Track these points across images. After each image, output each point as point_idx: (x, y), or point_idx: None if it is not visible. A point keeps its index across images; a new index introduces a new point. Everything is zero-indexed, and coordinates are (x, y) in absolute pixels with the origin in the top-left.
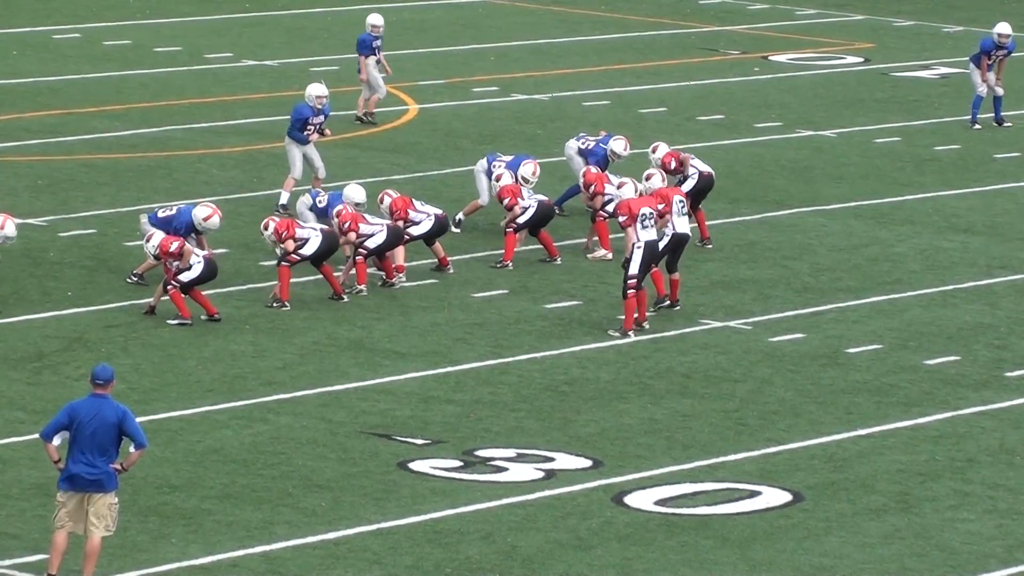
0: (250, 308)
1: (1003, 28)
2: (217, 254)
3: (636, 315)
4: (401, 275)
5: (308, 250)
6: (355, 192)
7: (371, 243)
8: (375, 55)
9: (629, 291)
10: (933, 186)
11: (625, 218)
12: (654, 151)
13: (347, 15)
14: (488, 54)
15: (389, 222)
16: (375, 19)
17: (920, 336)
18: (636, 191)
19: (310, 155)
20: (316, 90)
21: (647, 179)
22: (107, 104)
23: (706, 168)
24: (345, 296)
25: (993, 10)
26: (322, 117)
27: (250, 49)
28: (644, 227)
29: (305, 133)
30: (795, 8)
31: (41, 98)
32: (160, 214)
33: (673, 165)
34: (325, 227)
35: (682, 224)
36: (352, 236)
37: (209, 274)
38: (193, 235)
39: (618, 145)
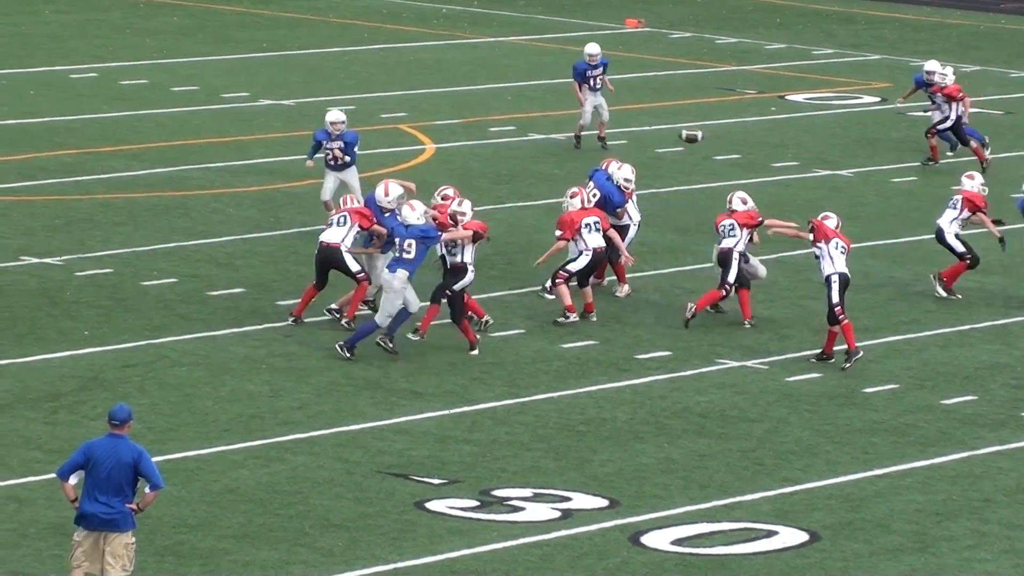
0: (267, 348)
1: (932, 66)
2: (234, 294)
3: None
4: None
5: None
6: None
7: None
8: (588, 83)
9: (558, 281)
10: None
11: (561, 232)
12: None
13: (364, 55)
14: (505, 93)
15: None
16: (591, 48)
17: (937, 376)
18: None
19: (350, 183)
20: (331, 116)
21: (825, 219)
22: (124, 143)
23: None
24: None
25: (1006, 50)
26: (340, 143)
27: (267, 89)
28: (591, 232)
29: (324, 156)
30: (812, 48)
31: (58, 137)
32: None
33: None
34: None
35: (841, 264)
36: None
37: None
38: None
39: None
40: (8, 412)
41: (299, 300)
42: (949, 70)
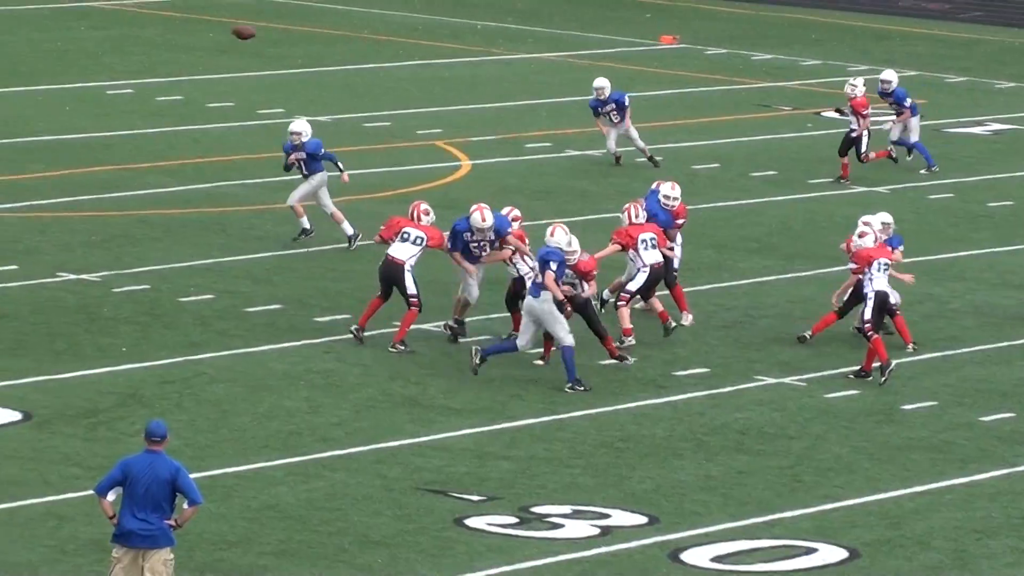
0: (305, 364)
1: (887, 75)
2: (272, 310)
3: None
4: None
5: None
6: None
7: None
8: (606, 118)
9: (621, 304)
10: (987, 242)
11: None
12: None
13: (400, 71)
14: (540, 110)
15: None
16: (598, 82)
17: (975, 393)
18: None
19: (319, 194)
20: (291, 126)
21: (860, 236)
22: (160, 160)
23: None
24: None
25: None
26: (302, 154)
27: (302, 105)
28: (647, 249)
29: (289, 166)
30: (847, 64)
31: (94, 154)
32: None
33: None
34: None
35: (881, 282)
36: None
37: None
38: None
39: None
40: (47, 428)
41: (362, 313)
42: (860, 81)
